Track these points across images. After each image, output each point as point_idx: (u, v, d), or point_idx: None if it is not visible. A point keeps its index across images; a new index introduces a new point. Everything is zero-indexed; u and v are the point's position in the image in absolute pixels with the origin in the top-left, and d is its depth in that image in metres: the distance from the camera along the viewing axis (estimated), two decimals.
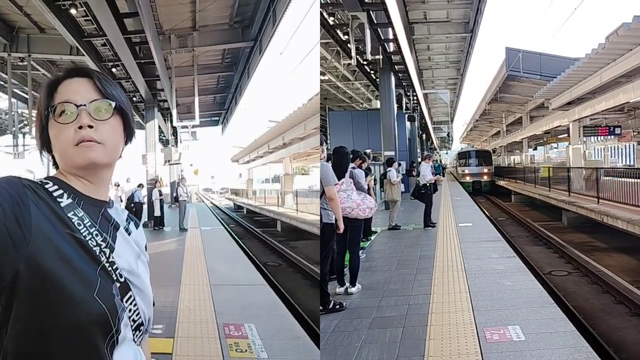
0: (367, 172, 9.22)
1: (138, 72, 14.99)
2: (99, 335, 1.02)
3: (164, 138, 25.60)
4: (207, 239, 13.52)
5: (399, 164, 16.32)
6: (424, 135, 39.64)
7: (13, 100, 17.29)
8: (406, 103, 25.21)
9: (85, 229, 1.06)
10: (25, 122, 20.35)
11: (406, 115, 24.65)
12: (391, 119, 19.02)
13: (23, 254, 0.94)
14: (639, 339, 6.47)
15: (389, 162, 11.59)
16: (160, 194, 16.82)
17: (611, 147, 38.80)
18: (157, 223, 16.54)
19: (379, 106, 21.17)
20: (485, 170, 31.67)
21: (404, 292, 5.95)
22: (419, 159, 23.87)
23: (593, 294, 8.53)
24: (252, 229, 20.49)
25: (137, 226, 1.28)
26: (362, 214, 5.94)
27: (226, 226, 20.24)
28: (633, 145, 32.89)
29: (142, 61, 14.48)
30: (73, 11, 10.89)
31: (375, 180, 12.52)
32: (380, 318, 5.04)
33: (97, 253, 1.06)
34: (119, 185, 16.99)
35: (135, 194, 16.53)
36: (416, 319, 4.92)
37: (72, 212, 1.07)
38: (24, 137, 20.24)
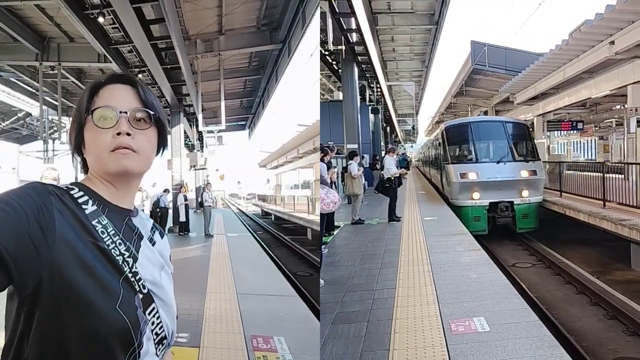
0: (330, 165, 9.27)
1: (164, 78, 15.42)
2: (121, 349, 1.02)
3: (189, 143, 25.53)
4: (234, 246, 13.47)
5: (362, 157, 16.48)
6: (388, 128, 40.09)
7: (44, 107, 17.80)
8: (369, 95, 25.47)
9: (108, 237, 1.07)
10: (55, 129, 20.86)
11: (370, 107, 24.89)
12: (354, 111, 19.18)
13: (46, 262, 0.95)
14: (598, 327, 6.83)
15: (351, 155, 11.70)
16: (186, 199, 17.07)
17: (574, 142, 40.40)
18: (182, 228, 16.74)
19: (341, 98, 21.29)
20: (526, 174, 13.42)
21: (369, 286, 6.03)
22: (383, 152, 24.16)
23: (555, 285, 8.91)
24: (281, 237, 20.30)
25: (162, 236, 1.30)
26: (325, 208, 6.00)
27: (253, 233, 20.12)
28: (594, 140, 34.30)
29: (168, 66, 14.99)
30: (101, 19, 11.21)
31: (337, 174, 12.61)
32: (344, 313, 5.10)
33: (120, 263, 1.07)
34: (141, 190, 16.73)
35: (160, 199, 16.70)
36: (381, 313, 5.00)
37: (96, 220, 1.08)
38: (53, 142, 20.82)
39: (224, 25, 15.35)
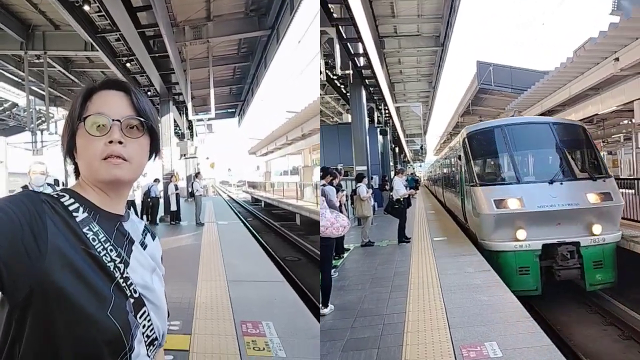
0: (339, 188, 9.22)
1: (152, 66, 15.28)
2: (112, 354, 1.03)
3: (179, 132, 25.78)
4: (224, 234, 13.59)
5: (371, 178, 16.37)
6: (396, 149, 40.02)
7: (30, 97, 17.85)
8: (378, 116, 25.47)
9: (100, 244, 1.08)
10: (43, 119, 21.04)
11: (378, 129, 24.89)
12: (363, 133, 19.18)
13: (38, 269, 0.96)
14: (614, 348, 6.62)
15: (359, 177, 11.65)
16: (176, 189, 17.17)
17: None
18: (174, 217, 16.83)
19: (350, 120, 21.34)
20: (595, 199, 8.71)
21: (379, 311, 5.91)
22: (392, 173, 24.08)
23: (568, 305, 8.68)
24: (271, 223, 20.53)
25: (153, 238, 1.32)
26: (335, 232, 5.94)
27: (244, 220, 20.33)
28: (603, 155, 33.98)
29: (156, 55, 14.83)
30: (86, 7, 11.17)
31: (346, 196, 12.55)
32: (354, 339, 5.00)
33: (112, 269, 1.08)
34: None
35: (151, 188, 16.85)
36: (391, 339, 4.89)
37: (87, 227, 1.08)
38: (41, 133, 20.91)
39: (212, 11, 15.36)
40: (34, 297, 0.97)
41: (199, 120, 22.96)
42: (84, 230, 1.07)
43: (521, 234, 8.55)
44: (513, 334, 4.70)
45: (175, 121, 22.57)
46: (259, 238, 14.94)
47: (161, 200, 17.61)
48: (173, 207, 16.81)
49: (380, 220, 14.61)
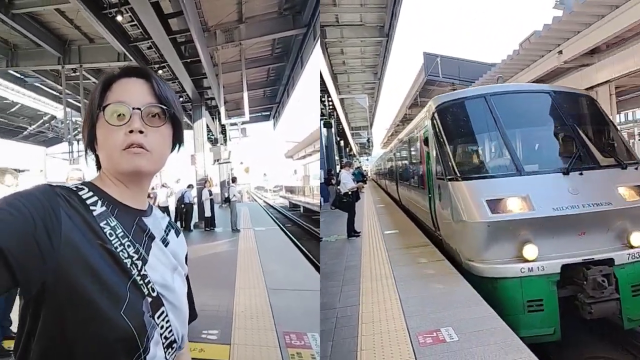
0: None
1: (184, 72, 15.85)
2: (125, 354, 1.04)
3: (212, 137, 25.79)
4: (262, 240, 13.62)
5: None
6: (342, 142, 40.42)
7: (67, 109, 18.76)
8: (321, 109, 25.65)
9: (117, 239, 1.09)
10: (79, 130, 21.83)
11: (322, 122, 25.08)
12: None
13: (51, 265, 0.97)
14: (571, 328, 7.01)
15: None
16: (210, 194, 17.42)
17: None
18: (208, 224, 17.20)
19: None
20: (631, 195, 6.31)
21: (331, 305, 6.01)
22: (338, 167, 24.33)
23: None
24: (311, 229, 20.30)
25: (177, 234, 1.31)
26: None
27: (282, 226, 20.13)
28: None
29: (188, 60, 15.51)
30: (119, 18, 11.70)
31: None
32: None
33: (128, 266, 1.08)
34: (165, 186, 17.19)
35: (185, 194, 17.35)
36: (346, 331, 5.00)
37: (105, 222, 1.09)
38: (78, 143, 21.86)
39: (244, 13, 15.56)
40: (46, 292, 0.98)
41: (232, 124, 23.17)
42: (101, 224, 1.08)
43: (530, 250, 5.99)
44: (469, 319, 4.91)
45: (208, 126, 22.83)
46: (300, 245, 14.88)
47: (195, 207, 18.00)
48: (207, 213, 17.13)
49: (328, 215, 14.79)
